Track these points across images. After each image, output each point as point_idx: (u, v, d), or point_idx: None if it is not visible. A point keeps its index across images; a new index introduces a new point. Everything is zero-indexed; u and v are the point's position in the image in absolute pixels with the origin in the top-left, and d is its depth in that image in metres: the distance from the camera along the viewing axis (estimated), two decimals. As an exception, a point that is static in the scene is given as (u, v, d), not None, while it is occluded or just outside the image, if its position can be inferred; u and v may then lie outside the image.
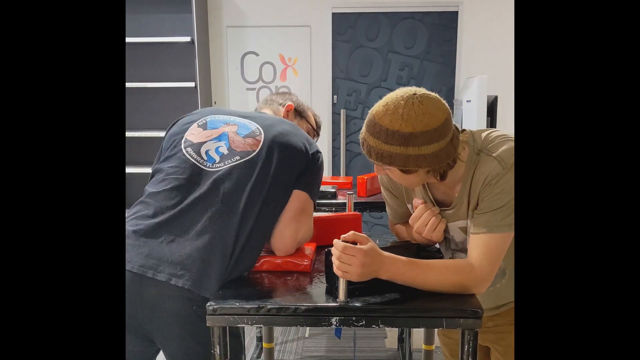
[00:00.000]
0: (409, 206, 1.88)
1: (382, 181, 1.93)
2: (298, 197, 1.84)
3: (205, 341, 1.61)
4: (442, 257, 1.85)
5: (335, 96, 5.34)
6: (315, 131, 2.41)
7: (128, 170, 4.93)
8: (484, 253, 1.55)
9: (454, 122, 1.62)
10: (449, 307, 1.47)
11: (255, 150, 1.83)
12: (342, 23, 5.24)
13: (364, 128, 1.61)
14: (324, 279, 1.64)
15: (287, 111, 2.29)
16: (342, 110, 5.29)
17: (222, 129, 1.91)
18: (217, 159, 1.82)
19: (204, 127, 1.93)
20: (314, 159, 1.91)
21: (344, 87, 5.33)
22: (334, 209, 2.93)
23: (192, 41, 4.87)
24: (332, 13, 5.18)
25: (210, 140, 1.88)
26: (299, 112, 2.34)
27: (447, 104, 1.59)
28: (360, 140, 1.63)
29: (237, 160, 1.80)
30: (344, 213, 2.25)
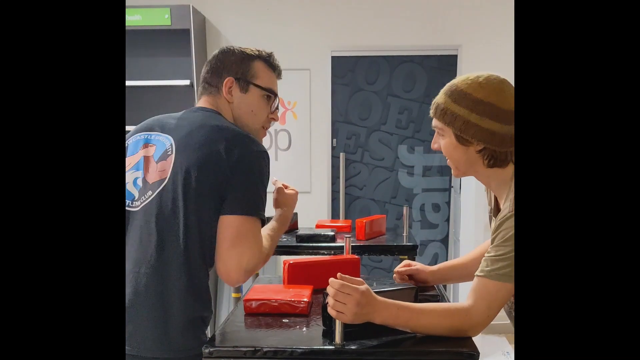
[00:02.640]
0: (488, 209, 1.88)
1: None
2: (230, 224, 1.66)
3: None
4: (439, 301, 1.85)
5: (334, 139, 5.36)
6: (268, 93, 1.92)
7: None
8: (482, 297, 1.53)
9: None
10: (445, 350, 1.46)
11: (165, 179, 1.67)
12: (342, 66, 5.28)
13: (440, 93, 1.66)
14: (320, 322, 1.63)
15: (229, 90, 1.87)
16: (341, 154, 5.31)
17: (139, 154, 1.75)
18: (136, 194, 1.71)
19: (126, 152, 1.78)
20: (241, 167, 1.66)
21: (344, 131, 5.36)
22: (332, 252, 2.92)
23: (192, 84, 4.90)
24: (332, 56, 5.22)
25: (129, 170, 1.74)
26: (245, 82, 1.87)
27: None
28: (432, 105, 1.67)
29: (149, 197, 1.68)
30: (342, 256, 2.24)
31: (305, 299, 1.76)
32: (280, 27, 5.14)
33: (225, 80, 1.85)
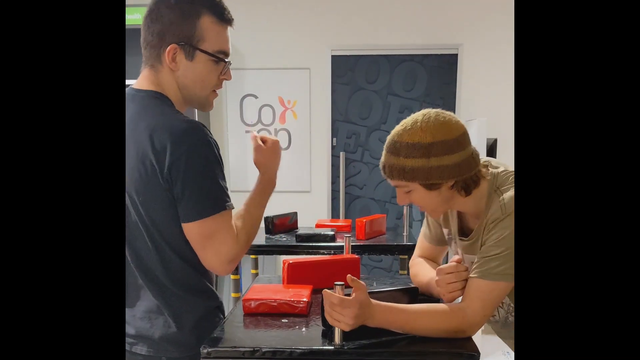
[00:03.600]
0: (445, 231, 1.87)
1: None
2: (192, 230, 1.53)
3: None
4: (439, 301, 1.84)
5: (334, 139, 5.36)
6: (218, 58, 1.62)
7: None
8: (476, 297, 1.53)
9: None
10: (445, 350, 1.46)
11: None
12: (342, 65, 5.28)
13: (383, 153, 1.62)
14: (320, 322, 1.62)
15: (172, 60, 1.58)
16: (341, 153, 5.31)
17: None
18: None
19: None
20: (179, 174, 1.48)
21: (344, 130, 5.35)
22: (332, 252, 2.92)
23: (192, 84, 4.88)
24: (332, 55, 5.22)
25: None
26: (190, 47, 1.57)
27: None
28: (381, 166, 1.63)
29: None
30: (342, 255, 2.24)
31: (304, 299, 1.75)
32: (281, 26, 5.14)
33: (168, 49, 1.56)
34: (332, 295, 1.45)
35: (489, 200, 1.61)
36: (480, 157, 1.65)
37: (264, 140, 1.76)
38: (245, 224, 1.64)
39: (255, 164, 1.75)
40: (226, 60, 1.63)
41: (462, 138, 1.57)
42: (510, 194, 1.55)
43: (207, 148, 1.50)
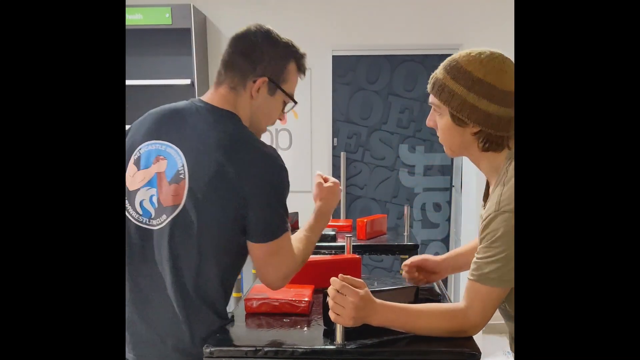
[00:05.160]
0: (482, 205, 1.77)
1: None
2: (258, 249, 1.64)
3: None
4: (440, 301, 1.84)
5: (335, 139, 5.35)
6: (292, 99, 1.82)
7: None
8: (476, 299, 1.51)
9: None
10: (446, 350, 1.46)
11: (178, 206, 1.60)
12: (343, 65, 5.28)
13: (439, 67, 1.60)
14: (321, 321, 1.63)
15: (257, 90, 1.72)
16: (342, 153, 5.31)
17: (153, 169, 1.64)
18: (152, 212, 1.64)
19: (138, 164, 1.67)
20: (257, 192, 1.59)
21: (344, 130, 5.35)
22: (333, 252, 2.92)
23: (192, 83, 4.89)
24: (333, 55, 5.22)
25: (143, 186, 1.65)
26: (274, 85, 1.74)
27: None
28: (430, 78, 1.61)
29: (164, 221, 1.61)
30: (344, 255, 2.24)
31: (306, 299, 1.76)
32: (281, 26, 5.05)
33: (259, 80, 1.70)
34: (335, 281, 1.46)
35: (499, 179, 1.55)
36: None
37: (325, 180, 1.93)
38: (304, 247, 1.78)
39: (313, 198, 1.92)
40: (295, 102, 1.82)
41: (510, 96, 1.49)
42: (508, 191, 1.47)
43: (281, 173, 1.64)
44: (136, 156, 1.68)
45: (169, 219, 1.60)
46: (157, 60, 5.18)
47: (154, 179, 1.63)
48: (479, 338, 1.53)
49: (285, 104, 1.81)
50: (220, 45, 5.25)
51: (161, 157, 1.64)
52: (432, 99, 1.59)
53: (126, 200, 1.66)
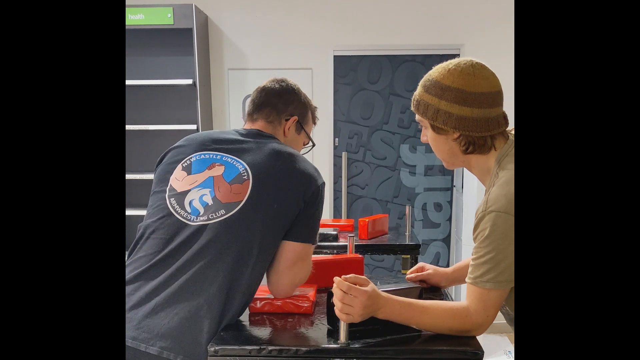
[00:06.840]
0: None
1: None
2: (293, 249, 1.77)
3: None
4: (443, 299, 1.85)
5: (336, 139, 5.36)
6: (311, 141, 2.15)
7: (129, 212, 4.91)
8: (477, 300, 1.52)
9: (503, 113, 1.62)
10: (449, 349, 1.47)
11: (241, 202, 1.73)
12: (344, 65, 5.28)
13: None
14: (325, 321, 1.64)
15: (289, 127, 2.02)
16: (343, 153, 5.31)
17: (207, 173, 1.81)
18: (201, 210, 1.74)
19: (189, 170, 1.83)
20: (312, 200, 1.79)
21: (346, 130, 5.36)
22: (335, 252, 2.93)
23: (194, 84, 4.90)
24: (334, 56, 5.22)
25: (194, 187, 1.79)
26: (300, 125, 2.05)
27: (500, 85, 1.61)
28: (412, 98, 1.68)
29: (222, 216, 1.71)
30: (345, 255, 2.25)
31: (309, 298, 1.77)
32: (283, 26, 5.15)
33: (293, 117, 2.00)
34: (341, 282, 1.47)
35: (490, 181, 1.59)
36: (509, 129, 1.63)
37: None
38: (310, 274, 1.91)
39: None
40: (314, 144, 2.16)
41: (483, 97, 1.55)
42: (497, 191, 1.49)
43: (323, 193, 1.86)
44: (185, 164, 1.85)
45: (229, 214, 1.72)
46: (158, 60, 5.18)
47: (209, 181, 1.79)
48: (479, 337, 1.53)
49: (304, 145, 2.12)
50: (222, 44, 5.26)
51: (217, 164, 1.82)
52: (416, 116, 1.66)
53: (172, 199, 1.78)
